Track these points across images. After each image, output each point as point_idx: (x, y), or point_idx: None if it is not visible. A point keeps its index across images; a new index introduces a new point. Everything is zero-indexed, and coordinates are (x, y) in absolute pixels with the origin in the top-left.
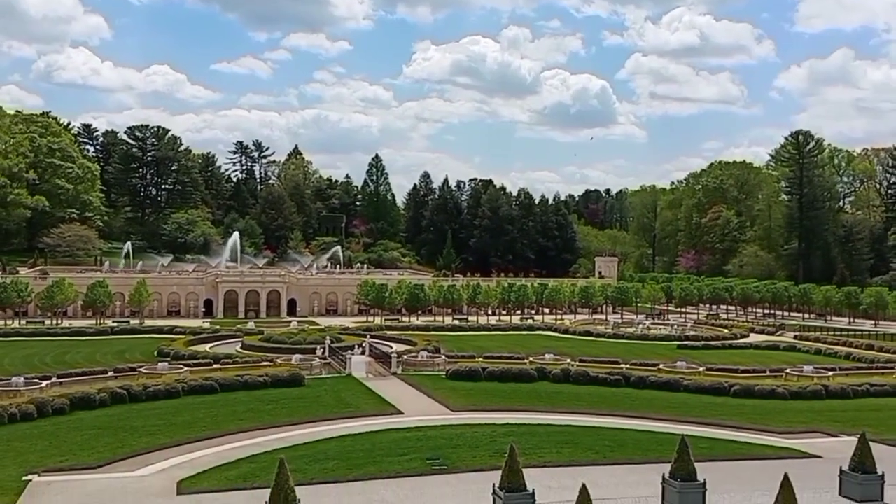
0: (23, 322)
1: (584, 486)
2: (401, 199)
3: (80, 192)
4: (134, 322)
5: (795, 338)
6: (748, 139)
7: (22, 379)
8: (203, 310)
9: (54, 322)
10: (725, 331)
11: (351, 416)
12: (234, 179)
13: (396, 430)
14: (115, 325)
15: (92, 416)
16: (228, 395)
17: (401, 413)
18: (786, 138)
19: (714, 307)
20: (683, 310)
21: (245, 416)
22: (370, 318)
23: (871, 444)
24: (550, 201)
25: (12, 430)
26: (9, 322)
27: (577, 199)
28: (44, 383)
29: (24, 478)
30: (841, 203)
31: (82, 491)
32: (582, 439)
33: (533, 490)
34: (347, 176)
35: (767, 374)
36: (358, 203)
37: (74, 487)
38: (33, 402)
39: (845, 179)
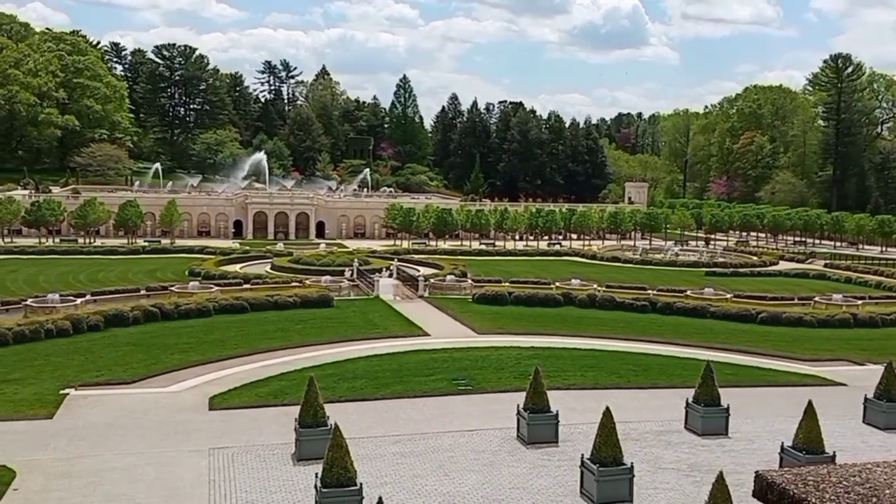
0: (56, 240)
1: (607, 408)
2: (429, 122)
3: (110, 111)
4: (165, 242)
5: (826, 266)
6: (783, 62)
7: (57, 296)
8: (233, 230)
9: (87, 241)
10: (755, 258)
11: (378, 337)
12: (262, 100)
13: (423, 352)
14: (146, 244)
15: (125, 333)
16: (259, 315)
17: (427, 335)
18: (824, 62)
19: (744, 234)
20: (713, 236)
21: (275, 335)
22: (397, 242)
23: None
24: (581, 125)
25: (49, 345)
26: (43, 240)
27: (608, 122)
28: (78, 300)
29: (62, 391)
30: (879, 129)
31: (118, 405)
32: (606, 363)
33: (557, 411)
34: (375, 98)
35: (796, 301)
36: (385, 125)
37: (110, 401)
38: (69, 319)
39: (884, 105)
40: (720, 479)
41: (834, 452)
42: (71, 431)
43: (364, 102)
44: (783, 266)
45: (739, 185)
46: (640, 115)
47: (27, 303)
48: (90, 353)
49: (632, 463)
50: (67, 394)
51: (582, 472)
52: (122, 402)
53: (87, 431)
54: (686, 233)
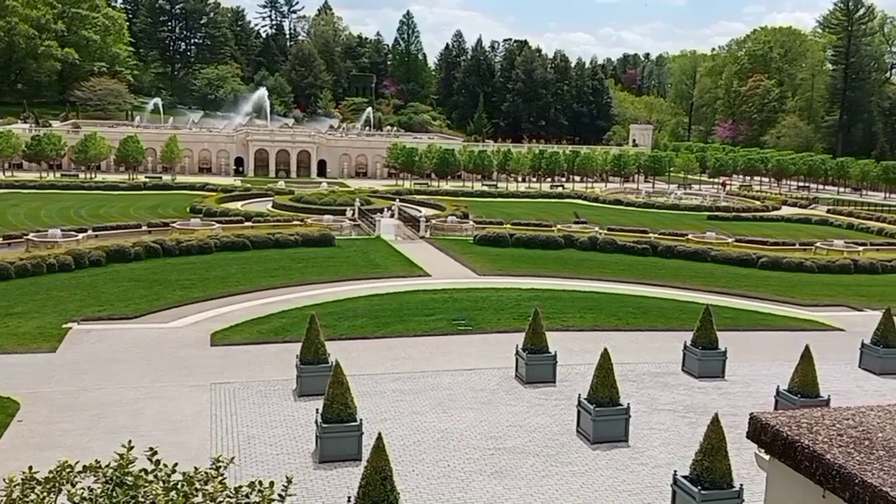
0: (57, 175)
1: (605, 349)
2: (432, 60)
3: (109, 44)
4: (166, 178)
5: (828, 212)
6: (792, 4)
7: (59, 231)
8: (234, 168)
9: (88, 176)
10: (757, 202)
11: (379, 277)
12: (264, 35)
13: (423, 292)
14: (147, 180)
15: (127, 269)
16: (260, 253)
17: (428, 275)
18: (834, 4)
19: (748, 178)
20: (717, 180)
21: (276, 273)
22: (399, 182)
23: (895, 319)
24: (587, 65)
25: (51, 279)
26: (44, 175)
27: (614, 63)
28: (80, 236)
29: (65, 325)
30: (888, 74)
31: (120, 339)
32: (606, 305)
33: (555, 352)
34: (378, 34)
35: (797, 247)
36: (388, 63)
37: (113, 336)
38: (70, 254)
39: (894, 50)
40: (715, 420)
41: (829, 396)
42: (74, 365)
43: (367, 39)
44: (786, 211)
45: (745, 129)
46: (646, 55)
47: (29, 237)
48: (92, 287)
49: (628, 403)
50: (70, 328)
51: (578, 412)
52: (125, 337)
53: (89, 365)
54: (690, 176)
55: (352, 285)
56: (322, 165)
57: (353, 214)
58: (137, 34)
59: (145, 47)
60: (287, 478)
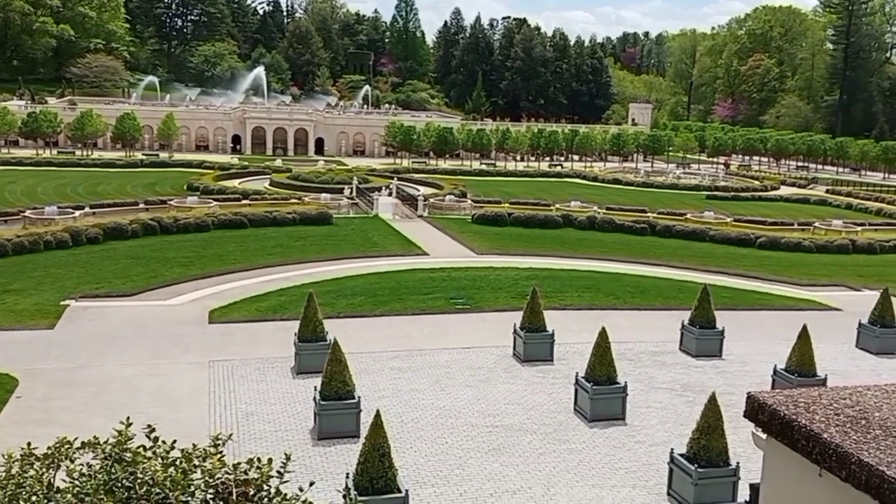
0: (54, 152)
1: (603, 328)
2: (430, 38)
3: (105, 20)
4: (163, 156)
5: (827, 192)
6: None
7: (56, 208)
8: (231, 145)
9: (85, 153)
10: (756, 182)
11: (377, 256)
12: (261, 12)
13: (421, 270)
14: (144, 157)
15: (124, 247)
16: (258, 231)
17: (426, 254)
18: None
19: (747, 158)
20: (716, 159)
21: (274, 251)
22: (397, 161)
23: (893, 298)
24: (586, 44)
25: (48, 256)
26: (40, 152)
27: (613, 42)
28: (77, 213)
29: (62, 302)
30: (888, 54)
31: (118, 316)
32: (604, 285)
33: (553, 331)
34: (376, 11)
35: (795, 227)
36: (386, 40)
37: (111, 313)
38: (68, 231)
39: (894, 29)
40: (712, 399)
41: (826, 376)
42: (72, 342)
43: (364, 16)
44: (784, 191)
45: (744, 109)
46: (646, 34)
47: (25, 214)
48: (89, 265)
49: (625, 382)
50: (68, 305)
51: (576, 390)
52: (123, 314)
53: (87, 342)
54: (689, 156)
55: (350, 264)
56: (319, 143)
57: (351, 193)
58: (134, 10)
59: (141, 24)
60: (286, 454)
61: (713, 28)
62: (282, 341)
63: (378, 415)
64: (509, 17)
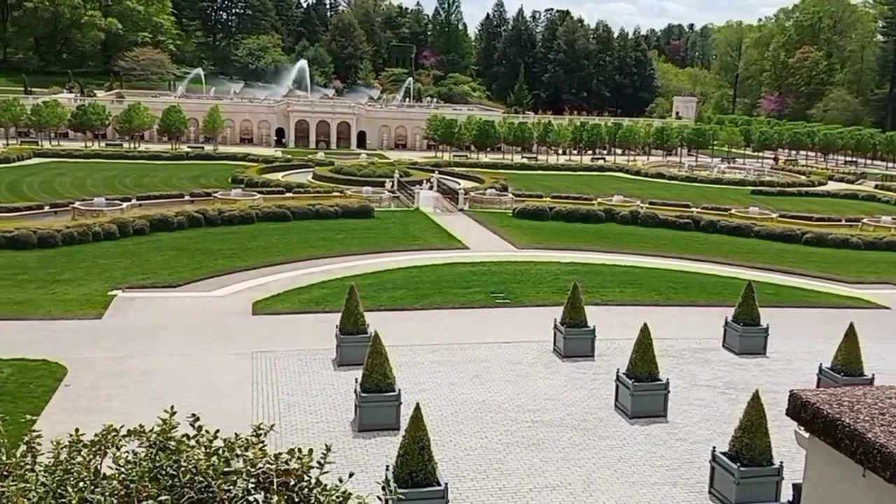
0: (102, 144)
1: (644, 324)
2: (472, 30)
3: (152, 13)
4: (208, 148)
5: (876, 187)
6: None
7: (104, 199)
8: (275, 138)
9: (132, 145)
10: (803, 177)
11: (418, 249)
12: (304, 5)
13: (462, 264)
14: (189, 150)
15: (170, 238)
16: (300, 223)
17: (466, 248)
18: None
19: (793, 153)
20: (761, 154)
21: (316, 243)
22: (438, 154)
23: None
24: (630, 36)
25: (97, 247)
26: (89, 144)
27: (657, 34)
28: (124, 204)
29: (110, 292)
30: None
31: (164, 307)
32: (646, 280)
33: (594, 326)
34: (418, 3)
35: (843, 222)
36: (428, 33)
37: (156, 304)
38: (115, 222)
39: None
40: (755, 397)
41: (873, 375)
42: (119, 332)
43: (407, 9)
44: (832, 186)
45: (791, 102)
46: (690, 26)
47: (75, 206)
48: (136, 256)
49: (667, 379)
50: (115, 295)
51: (617, 387)
52: (168, 305)
53: (134, 332)
54: (734, 150)
55: (390, 257)
56: (362, 137)
57: (392, 186)
58: (180, 3)
59: (187, 17)
60: (326, 445)
61: (760, 20)
62: (323, 333)
63: (418, 408)
64: (552, 10)
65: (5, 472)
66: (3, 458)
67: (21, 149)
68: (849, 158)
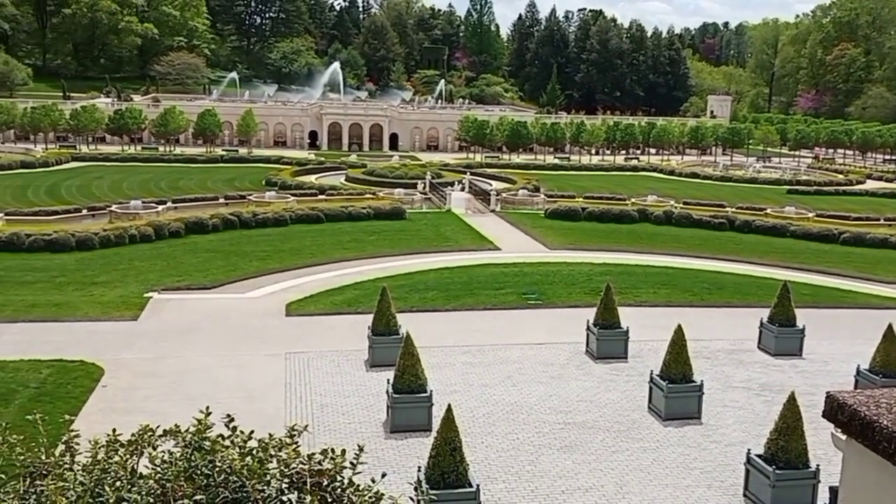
0: (138, 148)
1: (679, 326)
2: (505, 31)
3: (187, 18)
4: (242, 151)
5: None
6: None
7: (140, 202)
8: (308, 141)
9: (167, 149)
10: (840, 176)
11: (450, 250)
12: (337, 8)
13: (494, 265)
14: (224, 153)
15: (205, 241)
16: (333, 225)
17: (498, 249)
18: None
19: (830, 151)
20: (797, 153)
21: (349, 245)
22: (470, 155)
23: None
24: (664, 35)
25: (133, 250)
26: (125, 148)
27: (692, 32)
28: (160, 207)
29: (146, 294)
30: None
31: (198, 309)
32: (680, 281)
33: (627, 328)
34: (450, 5)
35: (881, 222)
36: (461, 35)
37: (191, 305)
38: (151, 225)
39: None
40: (791, 398)
41: None
42: (154, 333)
43: (439, 10)
44: (870, 185)
45: (828, 100)
46: (725, 24)
47: (112, 209)
48: (171, 258)
49: (702, 380)
50: (151, 297)
51: (650, 388)
52: (203, 307)
53: (169, 333)
54: (769, 149)
55: (422, 258)
56: (394, 139)
57: (424, 188)
58: (214, 8)
59: (222, 21)
60: (359, 446)
61: (796, 16)
62: (356, 334)
63: (450, 409)
64: (585, 9)
65: (45, 472)
66: (43, 457)
67: (60, 153)
68: (888, 157)
